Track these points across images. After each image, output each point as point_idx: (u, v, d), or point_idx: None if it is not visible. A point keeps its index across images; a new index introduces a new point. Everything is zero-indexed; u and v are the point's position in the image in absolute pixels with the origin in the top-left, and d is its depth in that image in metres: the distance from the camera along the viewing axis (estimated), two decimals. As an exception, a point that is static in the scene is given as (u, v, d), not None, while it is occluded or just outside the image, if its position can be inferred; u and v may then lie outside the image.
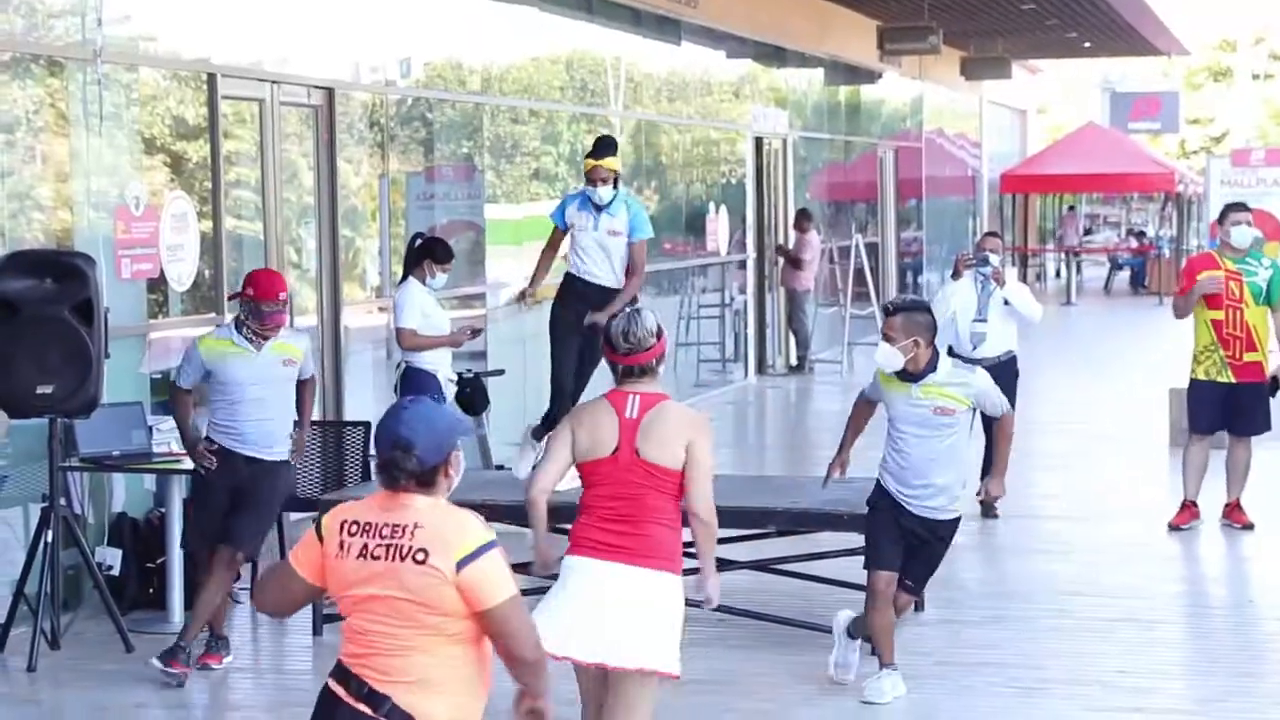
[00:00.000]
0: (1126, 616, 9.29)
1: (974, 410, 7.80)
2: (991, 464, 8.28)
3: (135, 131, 10.19)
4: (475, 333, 11.17)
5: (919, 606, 9.26)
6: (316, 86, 11.70)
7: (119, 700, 7.93)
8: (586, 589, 5.88)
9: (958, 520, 7.87)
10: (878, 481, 7.88)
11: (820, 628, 8.73)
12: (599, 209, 9.45)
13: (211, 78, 10.57)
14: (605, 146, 9.58)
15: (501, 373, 12.59)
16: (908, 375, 7.60)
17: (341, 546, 4.35)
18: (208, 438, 8.43)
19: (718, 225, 19.63)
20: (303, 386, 8.60)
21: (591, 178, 9.48)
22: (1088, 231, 40.36)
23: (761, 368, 20.97)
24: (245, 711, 8.10)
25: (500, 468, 11.41)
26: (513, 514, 7.68)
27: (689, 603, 6.05)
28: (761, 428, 18.30)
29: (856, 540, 8.67)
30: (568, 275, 9.74)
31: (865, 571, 7.84)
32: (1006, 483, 8.30)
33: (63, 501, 8.56)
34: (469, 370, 11.82)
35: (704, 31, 18.78)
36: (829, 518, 8.79)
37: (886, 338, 7.60)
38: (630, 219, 9.50)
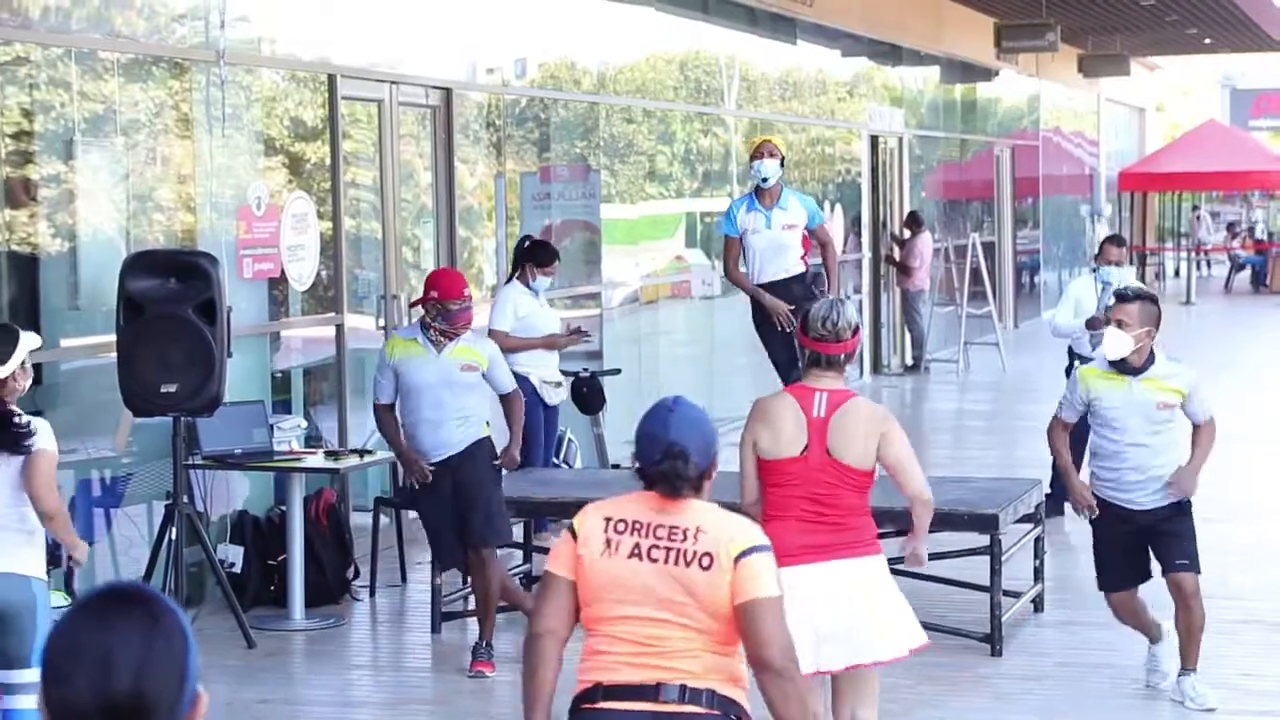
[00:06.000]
0: (1254, 618, 9.15)
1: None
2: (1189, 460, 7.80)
3: (255, 132, 10.28)
4: (576, 334, 11.04)
5: (1038, 607, 9.19)
6: (434, 87, 11.77)
7: (242, 696, 8.00)
8: (812, 598, 5.70)
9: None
10: (1094, 494, 7.65)
11: (939, 628, 8.65)
12: (769, 207, 9.65)
13: (331, 78, 10.65)
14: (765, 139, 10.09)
15: (618, 372, 12.60)
16: (1127, 369, 7.41)
17: (609, 544, 4.20)
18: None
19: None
20: (508, 401, 8.43)
21: (759, 151, 9.63)
22: (1230, 227, 39.71)
23: (877, 367, 20.86)
24: (366, 709, 8.14)
25: (616, 466, 11.42)
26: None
27: None
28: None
29: (974, 540, 8.62)
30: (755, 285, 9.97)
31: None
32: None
33: (186, 499, 8.65)
34: (585, 369, 11.85)
35: (819, 30, 18.71)
36: (947, 517, 8.69)
37: (1120, 324, 7.36)
38: (806, 209, 9.81)
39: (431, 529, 8.41)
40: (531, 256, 10.65)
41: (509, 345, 10.53)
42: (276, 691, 8.16)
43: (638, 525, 4.21)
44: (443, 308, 8.17)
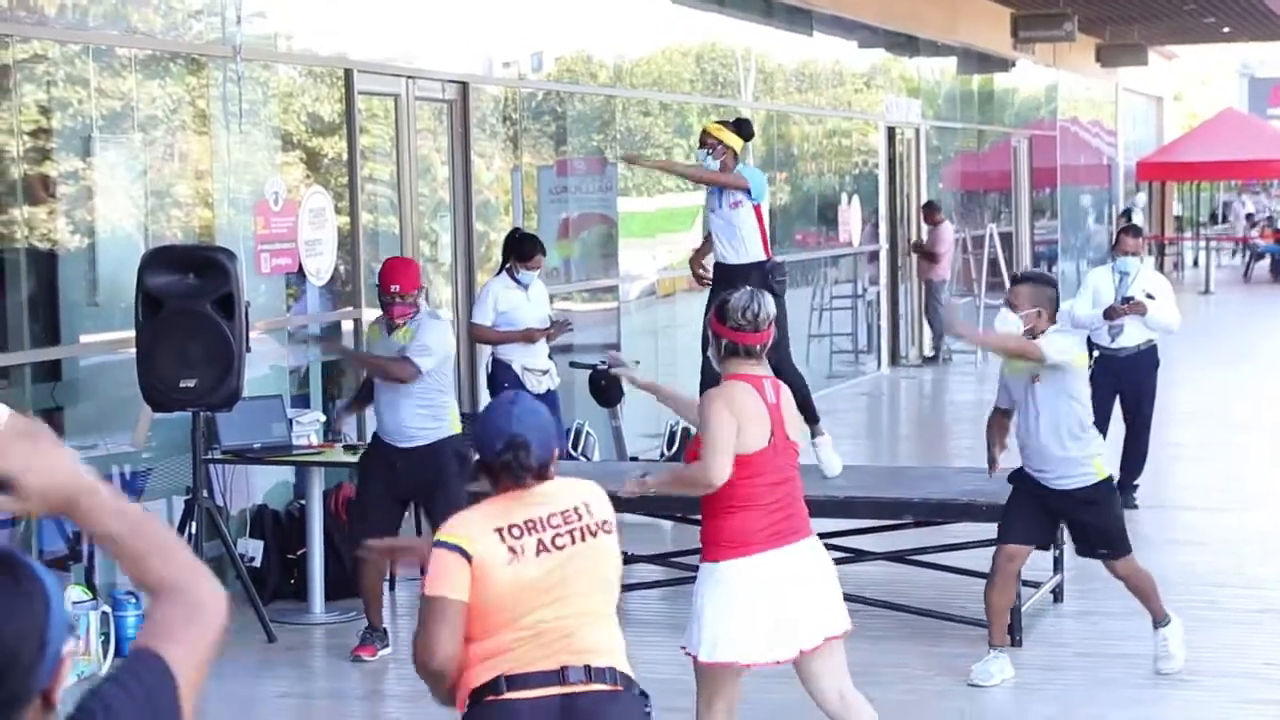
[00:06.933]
0: (1273, 607, 9.15)
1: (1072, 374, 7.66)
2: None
3: (272, 128, 10.30)
4: (556, 328, 10.93)
5: (1058, 597, 9.19)
6: (451, 81, 11.78)
7: (262, 690, 8.02)
8: (783, 579, 5.78)
9: (1099, 483, 7.74)
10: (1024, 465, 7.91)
11: (957, 618, 8.68)
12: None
13: (348, 73, 10.67)
14: (725, 120, 9.91)
15: (636, 365, 12.58)
16: None
17: (514, 552, 4.17)
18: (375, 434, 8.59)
19: (850, 216, 19.54)
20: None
21: (700, 142, 9.76)
22: (1249, 217, 39.69)
23: (895, 359, 20.85)
24: (386, 701, 8.17)
25: (634, 459, 11.42)
26: (646, 504, 7.70)
27: None
28: (896, 419, 18.19)
29: (994, 531, 8.61)
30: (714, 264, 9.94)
31: None
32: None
33: (205, 494, 8.67)
34: (602, 362, 11.85)
35: (835, 21, 18.69)
36: (966, 508, 8.73)
37: (1010, 305, 7.67)
38: (747, 180, 9.65)
39: (364, 500, 8.51)
40: (515, 249, 10.71)
41: (489, 338, 10.72)
42: (297, 685, 8.18)
43: (530, 524, 4.21)
44: (380, 294, 8.42)
